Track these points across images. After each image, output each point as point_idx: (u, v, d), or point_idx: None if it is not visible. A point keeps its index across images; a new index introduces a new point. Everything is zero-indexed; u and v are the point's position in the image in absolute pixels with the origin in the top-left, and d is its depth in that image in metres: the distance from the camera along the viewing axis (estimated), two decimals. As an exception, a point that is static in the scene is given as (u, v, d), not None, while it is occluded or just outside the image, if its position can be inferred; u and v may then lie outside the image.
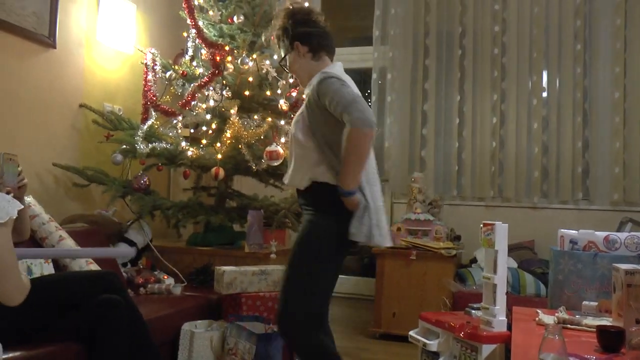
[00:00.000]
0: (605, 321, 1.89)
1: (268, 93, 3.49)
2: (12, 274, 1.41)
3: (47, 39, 3.12)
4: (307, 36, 2.23)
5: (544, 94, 4.44)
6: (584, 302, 2.15)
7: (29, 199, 2.60)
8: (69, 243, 2.56)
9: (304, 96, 2.24)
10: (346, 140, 1.98)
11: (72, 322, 2.02)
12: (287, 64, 2.29)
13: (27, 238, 2.13)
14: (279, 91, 3.45)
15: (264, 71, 3.41)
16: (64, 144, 3.29)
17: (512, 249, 3.98)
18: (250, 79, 3.42)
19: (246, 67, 3.33)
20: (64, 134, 3.31)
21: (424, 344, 2.41)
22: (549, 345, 1.35)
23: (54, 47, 3.18)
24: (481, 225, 2.19)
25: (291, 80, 3.41)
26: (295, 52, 2.23)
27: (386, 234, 2.14)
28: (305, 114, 2.13)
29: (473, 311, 2.40)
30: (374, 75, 4.89)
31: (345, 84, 2.07)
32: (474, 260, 4.05)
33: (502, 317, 2.11)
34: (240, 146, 3.31)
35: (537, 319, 2.03)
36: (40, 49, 3.12)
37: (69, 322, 2.02)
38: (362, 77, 5.86)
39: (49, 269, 2.42)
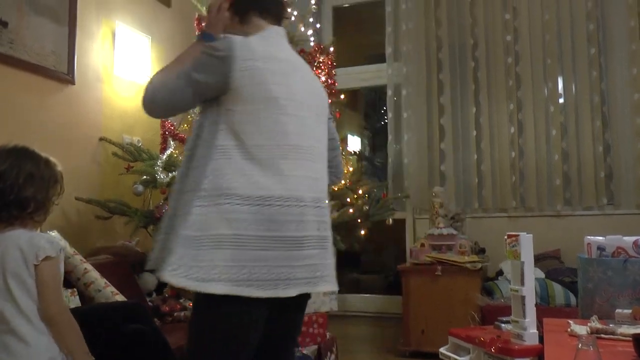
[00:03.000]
0: (641, 329, 1.84)
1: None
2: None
3: (66, 76, 3.19)
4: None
5: (561, 100, 4.40)
6: (617, 310, 2.10)
7: (53, 233, 2.63)
8: (94, 275, 2.58)
9: None
10: None
11: (100, 354, 2.03)
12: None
13: None
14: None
15: (278, 94, 3.43)
16: (86, 178, 3.34)
17: (538, 259, 3.92)
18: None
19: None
20: (85, 167, 3.36)
21: (455, 361, 2.37)
22: (584, 357, 1.32)
23: (73, 83, 3.25)
24: (505, 237, 2.16)
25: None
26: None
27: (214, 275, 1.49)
28: None
29: (503, 325, 2.36)
30: (389, 92, 4.89)
31: (201, 63, 1.60)
32: (500, 273, 4.00)
33: (533, 330, 2.08)
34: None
35: (569, 329, 1.99)
36: (60, 86, 3.19)
37: (96, 354, 2.03)
38: (377, 95, 5.89)
39: (75, 301, 2.44)
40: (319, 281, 1.64)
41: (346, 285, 5.44)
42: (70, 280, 2.53)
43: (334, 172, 1.89)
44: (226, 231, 1.50)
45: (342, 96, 3.56)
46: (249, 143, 1.56)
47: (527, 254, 2.10)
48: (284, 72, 1.63)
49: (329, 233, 1.71)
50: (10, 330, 1.60)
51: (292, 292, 1.56)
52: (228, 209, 1.51)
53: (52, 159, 1.83)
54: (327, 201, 1.73)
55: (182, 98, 1.62)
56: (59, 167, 1.82)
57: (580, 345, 1.34)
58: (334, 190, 3.44)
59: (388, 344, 4.05)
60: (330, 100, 3.36)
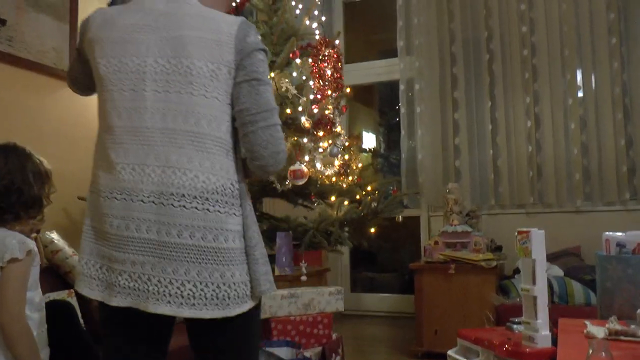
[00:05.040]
0: (663, 331, 1.72)
1: (289, 111, 3.42)
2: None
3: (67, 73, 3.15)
4: None
5: (580, 93, 4.25)
6: (639, 311, 1.97)
7: (52, 234, 2.58)
8: (93, 276, 2.52)
9: None
10: None
11: None
12: None
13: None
14: (300, 108, 3.39)
15: (284, 89, 3.35)
16: (89, 177, 3.28)
17: (558, 257, 3.79)
18: (271, 98, 3.37)
19: (266, 87, 3.28)
20: (88, 167, 3.29)
21: (465, 364, 2.27)
22: (595, 364, 1.21)
23: (75, 80, 3.20)
24: (516, 234, 2.05)
25: (312, 97, 3.34)
26: None
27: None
28: None
29: (514, 326, 2.24)
30: (402, 87, 4.79)
31: None
32: (517, 271, 3.87)
33: (545, 332, 1.96)
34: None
35: (585, 331, 1.87)
36: (61, 84, 3.13)
37: None
38: (392, 91, 5.77)
39: (73, 302, 2.38)
40: (149, 297, 1.31)
41: (361, 284, 5.35)
42: (68, 281, 2.48)
43: (250, 157, 1.39)
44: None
45: (348, 90, 3.47)
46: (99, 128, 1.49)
47: (539, 250, 1.98)
48: (115, 39, 1.37)
49: (186, 240, 1.31)
50: None
51: (116, 301, 1.34)
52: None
53: (36, 157, 1.82)
54: (199, 197, 1.32)
55: None
56: (42, 166, 1.82)
57: (591, 350, 1.23)
58: (342, 187, 3.35)
59: (401, 345, 3.94)
60: (337, 94, 3.28)
